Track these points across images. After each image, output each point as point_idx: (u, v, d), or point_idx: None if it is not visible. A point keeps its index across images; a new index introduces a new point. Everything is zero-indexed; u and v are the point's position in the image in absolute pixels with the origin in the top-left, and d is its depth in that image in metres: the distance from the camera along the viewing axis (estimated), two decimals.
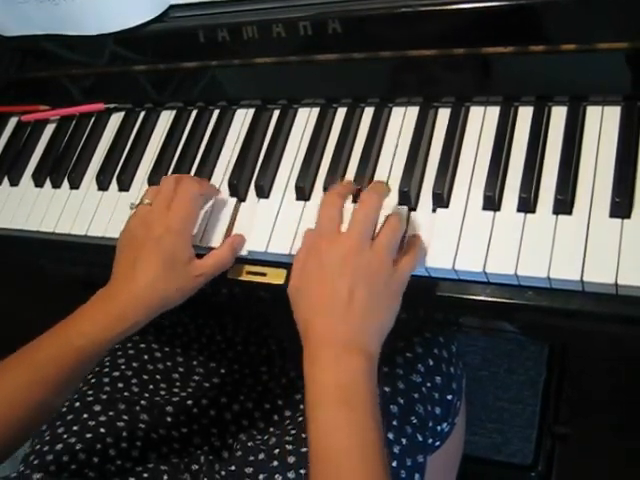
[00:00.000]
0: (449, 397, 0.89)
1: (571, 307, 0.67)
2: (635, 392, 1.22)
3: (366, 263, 0.66)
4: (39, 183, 0.94)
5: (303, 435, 0.81)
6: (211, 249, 0.79)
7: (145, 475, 0.82)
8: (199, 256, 0.76)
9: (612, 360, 1.18)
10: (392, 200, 0.75)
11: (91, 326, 0.71)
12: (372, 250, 0.66)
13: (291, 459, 0.79)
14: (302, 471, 0.77)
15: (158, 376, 0.95)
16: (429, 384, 0.87)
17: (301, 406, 0.87)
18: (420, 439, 0.83)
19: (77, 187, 0.92)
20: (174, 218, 0.74)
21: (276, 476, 0.78)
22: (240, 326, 1.02)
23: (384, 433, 0.80)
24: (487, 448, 1.21)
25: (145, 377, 0.94)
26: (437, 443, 0.89)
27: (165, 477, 0.82)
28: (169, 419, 0.89)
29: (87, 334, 0.70)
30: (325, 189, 0.80)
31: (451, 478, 1.02)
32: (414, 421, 0.83)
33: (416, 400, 0.84)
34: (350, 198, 0.74)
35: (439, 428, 0.88)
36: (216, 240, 0.80)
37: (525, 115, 0.76)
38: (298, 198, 0.80)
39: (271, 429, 0.87)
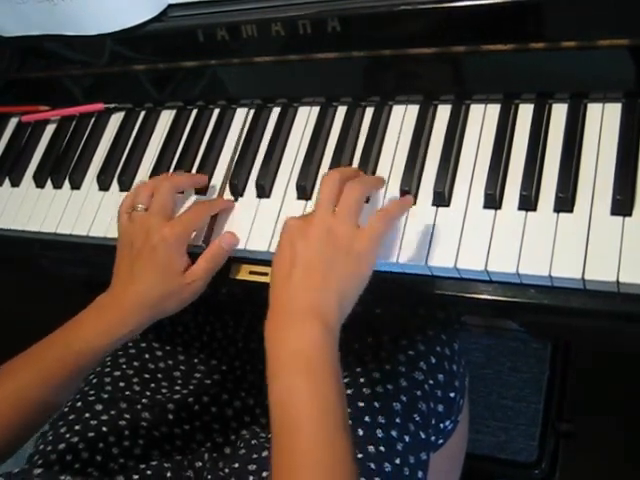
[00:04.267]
0: (452, 395, 0.89)
1: (573, 305, 0.66)
2: (638, 389, 1.22)
3: (327, 230, 0.66)
4: (40, 184, 0.94)
5: None
6: None
7: (149, 472, 0.82)
8: (198, 255, 0.76)
9: (615, 357, 1.18)
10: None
11: (90, 332, 0.73)
12: (334, 217, 0.67)
13: None
14: None
15: (159, 374, 0.95)
16: (431, 382, 0.87)
17: None
18: (423, 436, 0.83)
19: (78, 187, 0.92)
20: (171, 231, 0.74)
21: None
22: (241, 323, 1.02)
23: (378, 419, 0.80)
24: (491, 446, 1.21)
25: (146, 376, 0.95)
26: (440, 441, 0.89)
27: (168, 474, 0.82)
28: (171, 417, 0.90)
29: (86, 340, 0.72)
30: None
31: (455, 476, 1.02)
32: (417, 419, 0.83)
33: (419, 398, 0.84)
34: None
35: (442, 426, 0.88)
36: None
37: (525, 113, 0.75)
38: (299, 197, 0.80)
39: None
